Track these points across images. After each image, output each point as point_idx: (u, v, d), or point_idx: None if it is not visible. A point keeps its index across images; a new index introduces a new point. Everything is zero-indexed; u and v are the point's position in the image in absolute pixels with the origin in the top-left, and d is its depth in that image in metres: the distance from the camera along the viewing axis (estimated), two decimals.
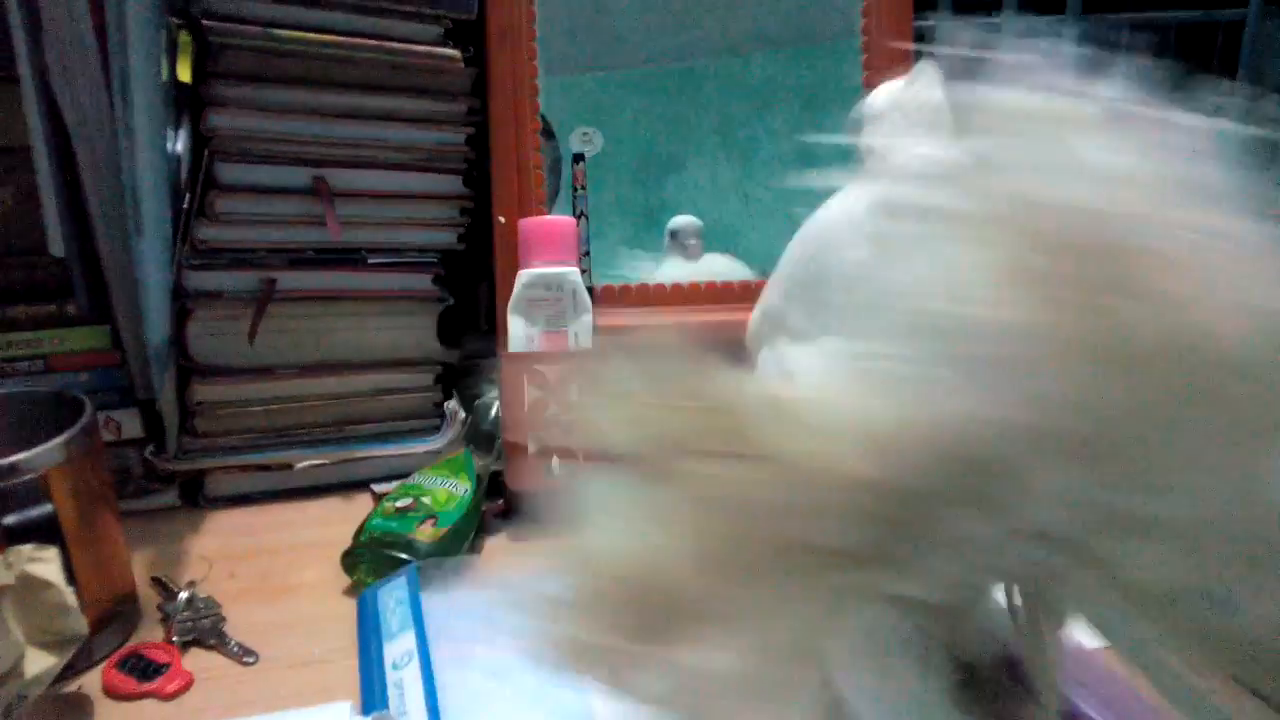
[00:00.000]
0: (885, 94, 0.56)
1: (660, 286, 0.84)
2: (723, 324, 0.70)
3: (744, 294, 0.84)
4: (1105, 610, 0.34)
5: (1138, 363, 0.29)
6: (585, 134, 0.88)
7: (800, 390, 0.35)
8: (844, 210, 0.55)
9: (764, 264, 0.90)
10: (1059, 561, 0.32)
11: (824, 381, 0.34)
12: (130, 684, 0.61)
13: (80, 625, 0.56)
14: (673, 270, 0.88)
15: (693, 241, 0.89)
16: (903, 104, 0.54)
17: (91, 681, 0.62)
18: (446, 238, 0.88)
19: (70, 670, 0.60)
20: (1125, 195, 0.30)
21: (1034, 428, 0.30)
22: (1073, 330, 0.29)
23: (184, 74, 0.76)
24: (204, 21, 0.76)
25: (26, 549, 0.56)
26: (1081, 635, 0.42)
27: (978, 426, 0.30)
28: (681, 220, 0.89)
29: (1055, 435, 0.30)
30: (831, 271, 0.53)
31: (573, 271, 0.80)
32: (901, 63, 0.89)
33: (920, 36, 0.94)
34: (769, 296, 0.58)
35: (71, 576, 0.58)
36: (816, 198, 0.87)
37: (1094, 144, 0.31)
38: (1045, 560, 0.32)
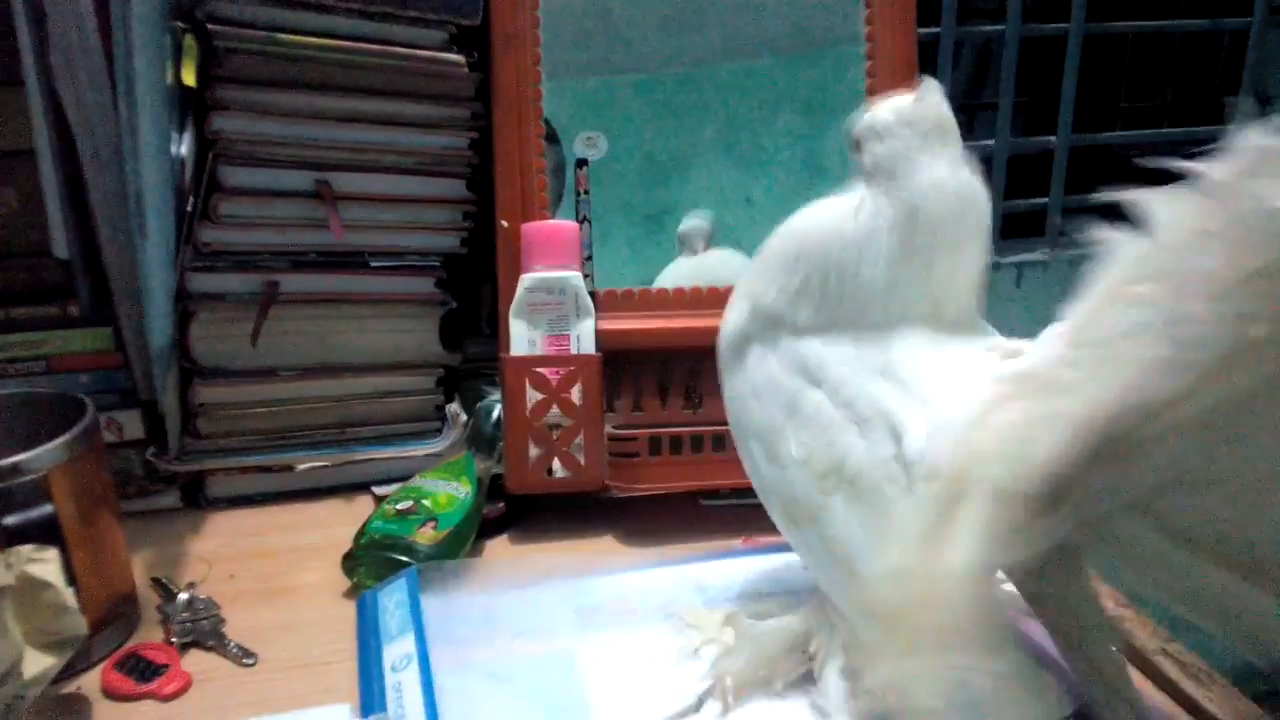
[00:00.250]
0: (890, 110, 0.56)
1: (663, 291, 0.84)
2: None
3: None
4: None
5: None
6: (590, 138, 0.88)
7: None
8: (844, 214, 0.56)
9: None
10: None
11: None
12: (129, 685, 0.61)
13: (79, 626, 0.56)
14: (675, 269, 0.88)
15: (700, 244, 0.89)
16: (913, 120, 0.55)
17: (90, 682, 0.62)
18: (449, 242, 0.88)
19: (69, 671, 0.60)
20: None
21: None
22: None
23: (189, 78, 0.76)
24: (209, 25, 0.76)
25: (26, 549, 0.56)
26: None
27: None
28: (688, 223, 0.89)
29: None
30: (840, 270, 0.55)
31: (575, 275, 0.80)
32: (905, 70, 0.89)
33: (924, 45, 0.94)
34: (759, 297, 0.59)
35: (71, 577, 0.58)
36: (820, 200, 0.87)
37: None
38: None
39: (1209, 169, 0.37)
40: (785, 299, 0.57)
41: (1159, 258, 0.39)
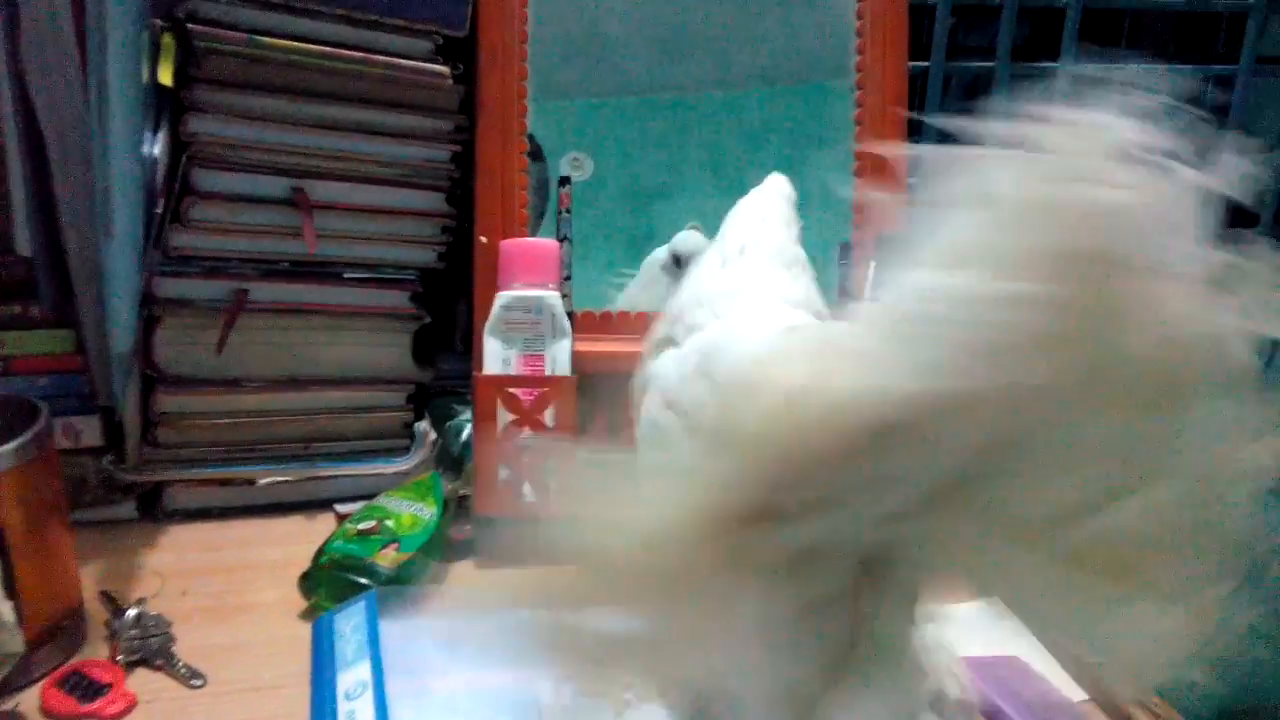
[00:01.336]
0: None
1: (642, 315, 0.83)
2: None
3: None
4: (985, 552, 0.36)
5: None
6: (576, 159, 0.87)
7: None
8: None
9: None
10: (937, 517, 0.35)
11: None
12: (70, 704, 0.58)
13: (16, 642, 0.54)
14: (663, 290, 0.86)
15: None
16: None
17: (29, 701, 0.59)
18: (426, 255, 0.87)
19: (6, 688, 0.58)
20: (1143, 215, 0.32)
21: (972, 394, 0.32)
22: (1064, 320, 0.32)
23: (165, 77, 0.75)
24: (189, 25, 0.74)
25: None
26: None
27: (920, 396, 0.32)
28: (690, 240, 0.87)
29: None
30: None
31: (553, 295, 0.78)
32: (894, 104, 0.89)
33: (913, 79, 0.94)
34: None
35: (13, 589, 0.56)
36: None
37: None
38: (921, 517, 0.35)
39: (1050, 137, 0.33)
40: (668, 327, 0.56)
41: (986, 232, 0.34)
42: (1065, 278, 0.31)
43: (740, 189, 0.90)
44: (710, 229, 0.89)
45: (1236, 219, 0.33)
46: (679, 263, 0.86)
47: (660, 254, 0.88)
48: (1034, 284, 0.31)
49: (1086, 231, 0.31)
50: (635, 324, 0.82)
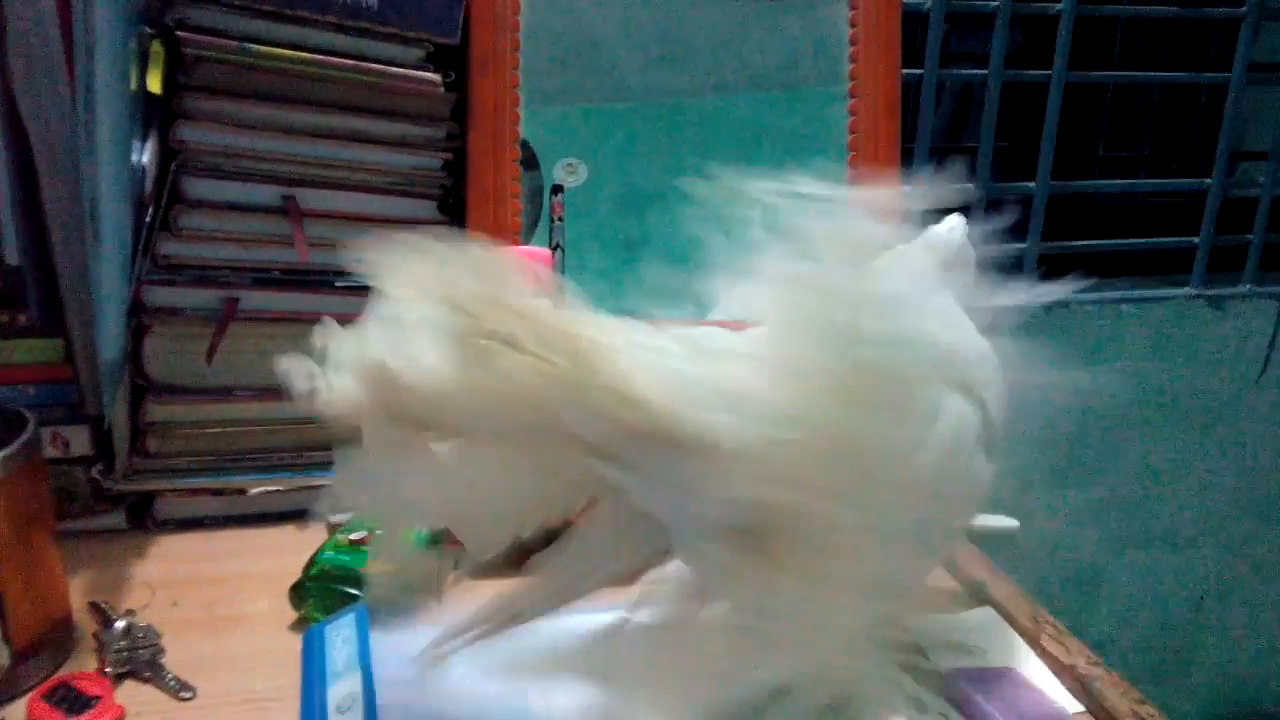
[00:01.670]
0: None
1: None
2: None
3: None
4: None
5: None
6: (570, 165, 0.87)
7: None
8: None
9: None
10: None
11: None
12: (57, 717, 0.58)
13: (1, 654, 0.54)
14: None
15: None
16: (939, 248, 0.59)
17: (15, 713, 0.59)
18: None
19: None
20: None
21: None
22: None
23: (154, 84, 0.74)
24: (178, 32, 0.74)
25: None
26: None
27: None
28: None
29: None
30: None
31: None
32: (888, 111, 0.89)
33: (906, 86, 0.94)
34: None
35: None
36: None
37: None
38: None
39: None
40: None
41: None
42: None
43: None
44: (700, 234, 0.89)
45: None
46: None
47: None
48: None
49: None
50: None
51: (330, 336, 0.44)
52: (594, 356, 0.41)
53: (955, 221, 0.60)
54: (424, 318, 0.41)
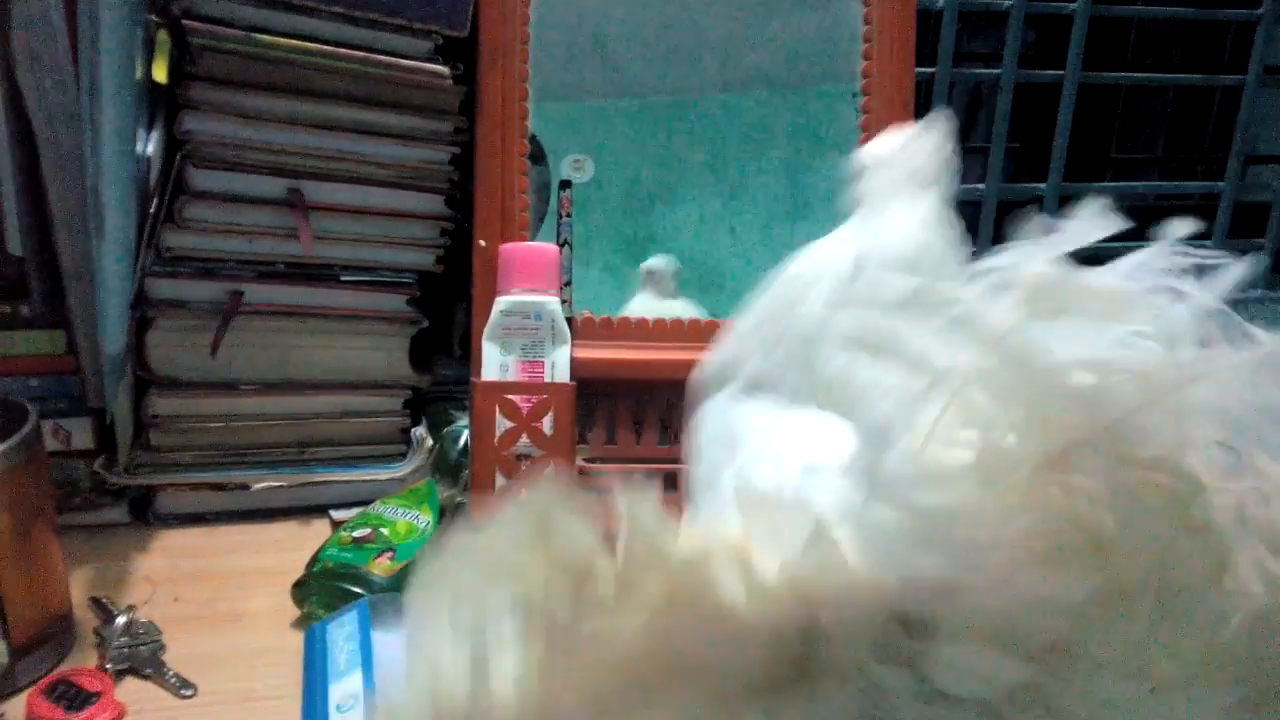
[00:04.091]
0: (889, 142, 0.54)
1: (643, 322, 0.82)
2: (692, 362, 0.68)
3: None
4: None
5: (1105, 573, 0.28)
6: (577, 161, 0.86)
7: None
8: (826, 263, 0.52)
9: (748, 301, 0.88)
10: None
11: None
12: (57, 713, 0.57)
13: (0, 650, 0.53)
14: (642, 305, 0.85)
15: (666, 282, 0.87)
16: (906, 153, 0.52)
17: (15, 709, 0.58)
18: (425, 258, 0.86)
19: None
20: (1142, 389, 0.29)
21: (974, 599, 0.28)
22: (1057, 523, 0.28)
23: (160, 74, 0.74)
24: (184, 22, 0.73)
25: None
26: None
27: (914, 587, 0.29)
28: (653, 262, 0.87)
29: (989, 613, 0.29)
30: (804, 326, 0.50)
31: (553, 300, 0.77)
32: (901, 109, 0.88)
33: (920, 86, 0.93)
34: (730, 343, 0.55)
35: None
36: (805, 237, 0.85)
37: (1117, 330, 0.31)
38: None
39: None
40: (746, 347, 0.53)
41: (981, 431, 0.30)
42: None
43: (740, 191, 0.90)
44: (709, 230, 0.89)
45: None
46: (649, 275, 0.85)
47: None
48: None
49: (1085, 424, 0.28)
50: (636, 330, 0.81)
51: (399, 693, 0.32)
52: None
53: (932, 122, 0.54)
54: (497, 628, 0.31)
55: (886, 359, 0.32)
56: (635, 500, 0.32)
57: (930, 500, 0.29)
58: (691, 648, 0.30)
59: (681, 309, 0.85)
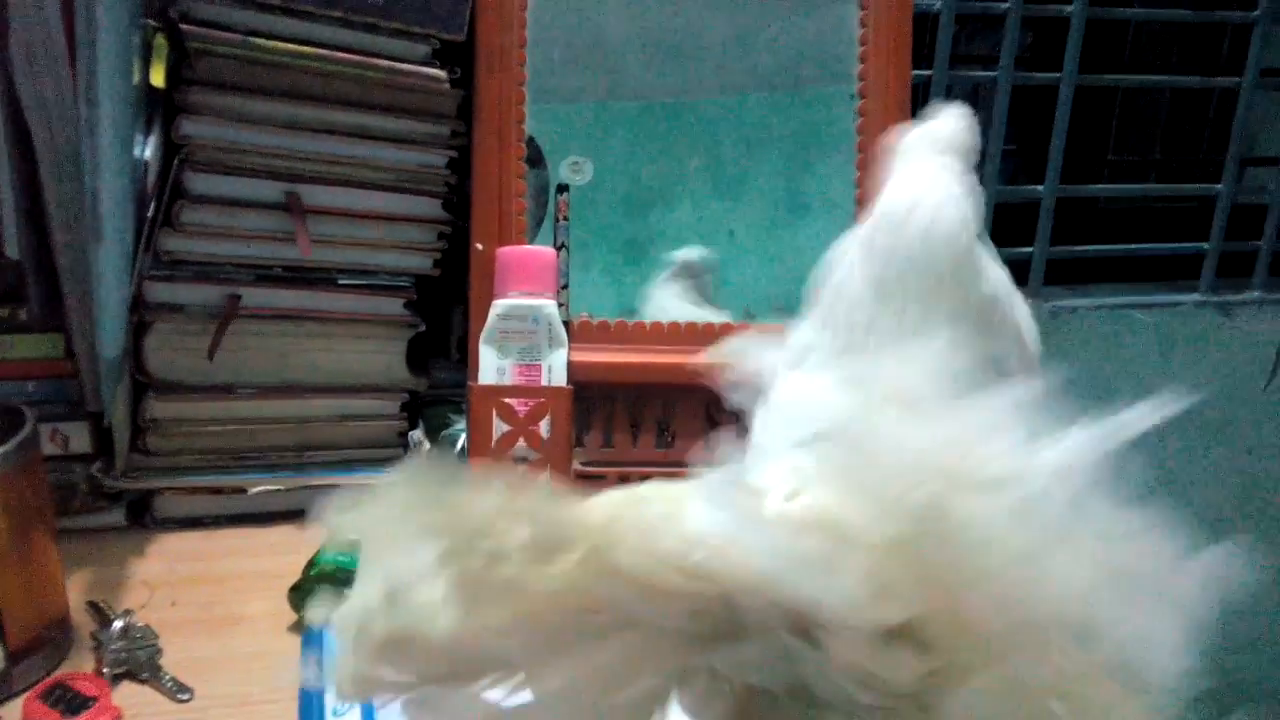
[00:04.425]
0: (919, 129, 0.55)
1: (640, 325, 0.82)
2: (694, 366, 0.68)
3: (725, 336, 0.81)
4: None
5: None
6: (576, 163, 0.86)
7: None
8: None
9: (747, 302, 0.88)
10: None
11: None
12: (54, 718, 0.57)
13: None
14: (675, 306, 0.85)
15: (704, 278, 0.87)
16: (931, 133, 0.53)
17: (11, 713, 0.58)
18: (422, 262, 0.86)
19: None
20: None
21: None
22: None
23: (157, 79, 0.74)
24: (182, 26, 0.73)
25: None
26: None
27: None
28: (689, 254, 0.87)
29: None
30: (841, 290, 0.53)
31: (549, 304, 0.77)
32: (897, 112, 0.88)
33: (914, 87, 0.93)
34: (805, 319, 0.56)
35: None
36: (804, 238, 0.85)
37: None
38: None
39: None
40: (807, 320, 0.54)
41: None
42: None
43: (738, 193, 0.90)
44: (708, 232, 0.89)
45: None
46: (682, 267, 0.85)
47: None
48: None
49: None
50: (633, 334, 0.81)
51: (334, 616, 0.37)
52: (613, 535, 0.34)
53: (959, 114, 0.55)
54: (415, 566, 0.34)
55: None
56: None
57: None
58: (616, 603, 0.33)
59: (715, 316, 0.85)
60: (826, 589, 0.32)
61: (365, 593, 0.35)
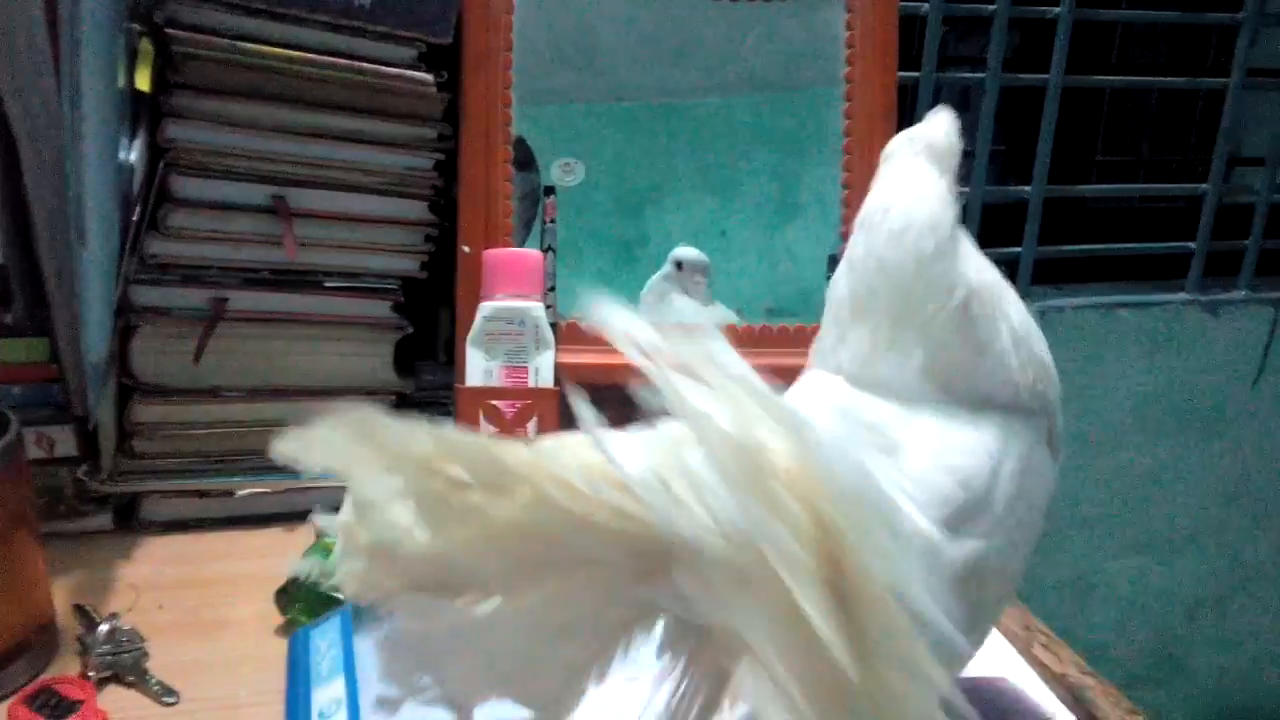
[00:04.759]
0: (904, 134, 0.55)
1: None
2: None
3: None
4: None
5: None
6: (567, 165, 0.86)
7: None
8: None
9: (738, 303, 0.89)
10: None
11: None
12: None
13: None
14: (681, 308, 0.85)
15: (698, 279, 0.87)
16: (915, 138, 0.53)
17: None
18: (409, 265, 0.86)
19: None
20: None
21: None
22: None
23: (142, 82, 0.73)
24: (167, 30, 0.73)
25: None
26: None
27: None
28: (689, 253, 0.87)
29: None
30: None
31: (536, 306, 0.77)
32: (884, 114, 0.88)
33: (902, 89, 0.93)
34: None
35: None
36: (794, 238, 0.85)
37: None
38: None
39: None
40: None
41: None
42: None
43: (728, 194, 0.90)
44: (699, 233, 0.89)
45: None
46: (680, 267, 0.85)
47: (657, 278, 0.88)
48: None
49: None
50: None
51: (329, 523, 0.40)
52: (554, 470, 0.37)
53: (944, 119, 0.55)
54: (385, 489, 0.37)
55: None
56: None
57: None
58: (563, 539, 0.36)
59: (721, 317, 0.85)
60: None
61: (354, 510, 0.38)
